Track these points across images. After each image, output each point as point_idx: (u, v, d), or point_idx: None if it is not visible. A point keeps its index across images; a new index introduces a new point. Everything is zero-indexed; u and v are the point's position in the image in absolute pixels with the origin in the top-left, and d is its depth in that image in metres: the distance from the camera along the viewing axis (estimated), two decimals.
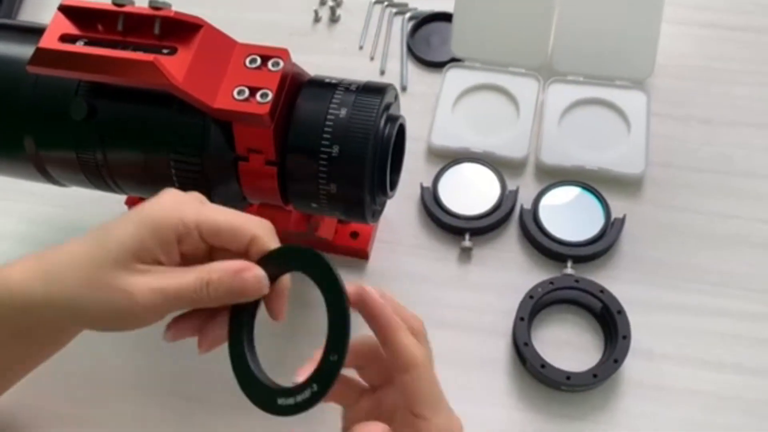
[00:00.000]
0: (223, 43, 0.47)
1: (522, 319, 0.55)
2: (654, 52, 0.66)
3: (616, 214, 0.61)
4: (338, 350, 0.36)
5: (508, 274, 0.60)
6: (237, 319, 0.40)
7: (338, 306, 0.37)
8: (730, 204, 0.63)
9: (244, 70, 0.46)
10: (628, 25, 0.67)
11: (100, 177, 0.51)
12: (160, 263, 0.39)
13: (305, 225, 0.56)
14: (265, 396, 0.38)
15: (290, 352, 0.56)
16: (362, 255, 0.61)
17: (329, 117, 0.46)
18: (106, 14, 0.46)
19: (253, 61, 0.47)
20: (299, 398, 0.37)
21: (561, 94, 0.68)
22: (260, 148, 0.47)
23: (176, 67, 0.44)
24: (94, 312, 0.39)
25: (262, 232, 0.40)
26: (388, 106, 0.48)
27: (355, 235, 0.61)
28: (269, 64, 0.46)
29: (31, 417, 0.55)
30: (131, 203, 0.62)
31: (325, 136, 0.46)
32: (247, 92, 0.45)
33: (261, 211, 0.53)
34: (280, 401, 0.37)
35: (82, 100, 0.48)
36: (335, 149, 0.46)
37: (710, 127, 0.67)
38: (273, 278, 0.40)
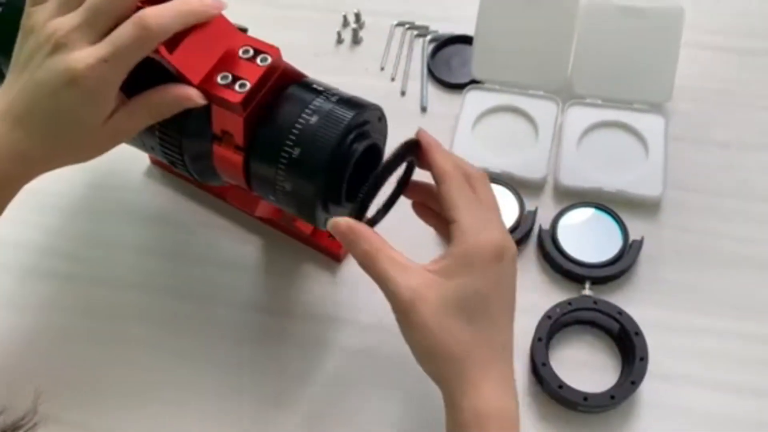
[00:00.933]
0: (224, 30, 0.49)
1: (540, 339, 0.56)
2: (672, 76, 0.67)
3: (634, 236, 0.61)
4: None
5: (526, 294, 0.59)
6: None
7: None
8: (748, 227, 0.63)
9: (236, 59, 0.49)
10: (647, 49, 0.67)
11: None
12: None
13: (280, 212, 0.58)
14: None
15: (276, 360, 0.59)
16: (335, 257, 0.63)
17: (300, 120, 0.48)
18: None
19: (246, 52, 0.49)
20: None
21: (580, 117, 0.69)
22: (232, 132, 0.49)
23: (171, 41, 0.47)
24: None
25: None
26: (362, 124, 0.49)
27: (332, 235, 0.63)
28: (258, 58, 0.49)
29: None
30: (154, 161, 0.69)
31: (291, 137, 0.48)
32: (230, 78, 0.48)
33: (236, 192, 0.56)
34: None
35: None
36: (296, 151, 0.48)
37: (728, 150, 0.68)
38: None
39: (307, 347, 0.59)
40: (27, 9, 0.48)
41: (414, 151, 0.49)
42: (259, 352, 0.59)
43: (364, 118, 0.50)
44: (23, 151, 0.47)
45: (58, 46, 0.45)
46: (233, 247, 0.65)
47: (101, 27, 0.46)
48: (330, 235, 0.61)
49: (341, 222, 0.46)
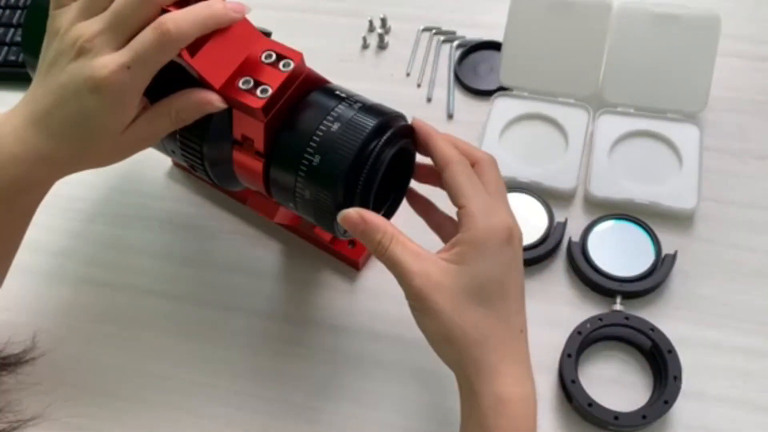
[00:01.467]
0: (247, 34, 0.48)
1: (569, 355, 0.54)
2: (708, 85, 0.65)
3: (667, 249, 0.60)
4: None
5: (556, 308, 0.59)
6: None
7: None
8: None
9: (258, 64, 0.48)
10: (682, 57, 0.66)
11: None
12: None
13: (299, 219, 0.57)
14: None
15: (293, 368, 0.58)
16: (354, 265, 0.62)
17: (321, 128, 0.47)
18: None
19: (268, 56, 0.48)
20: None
21: (611, 126, 0.67)
22: (252, 138, 0.48)
23: (193, 45, 0.46)
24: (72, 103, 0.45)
25: None
26: (384, 131, 0.47)
27: (352, 242, 0.62)
28: (281, 63, 0.48)
29: None
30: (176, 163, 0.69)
31: (311, 144, 0.47)
32: (251, 84, 0.47)
33: (256, 197, 0.55)
34: None
35: None
36: (317, 159, 0.47)
37: (765, 161, 0.66)
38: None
39: (324, 356, 0.58)
40: (51, 11, 0.48)
41: (407, 135, 0.49)
42: (276, 360, 0.58)
43: (388, 125, 0.48)
44: (45, 154, 0.47)
45: (82, 52, 0.45)
46: (252, 252, 0.64)
47: (125, 33, 0.45)
48: (351, 243, 0.61)
49: (352, 212, 0.46)
